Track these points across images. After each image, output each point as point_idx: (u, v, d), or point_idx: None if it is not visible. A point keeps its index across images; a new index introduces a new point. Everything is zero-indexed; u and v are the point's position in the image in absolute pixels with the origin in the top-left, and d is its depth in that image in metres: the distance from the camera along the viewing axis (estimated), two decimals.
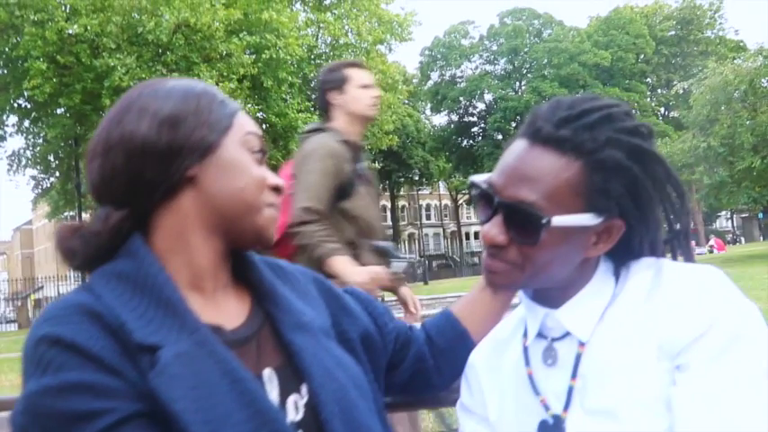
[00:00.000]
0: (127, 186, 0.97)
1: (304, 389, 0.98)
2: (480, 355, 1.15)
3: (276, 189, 1.04)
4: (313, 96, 27.48)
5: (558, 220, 0.92)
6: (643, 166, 0.95)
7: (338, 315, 1.14)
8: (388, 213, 50.16)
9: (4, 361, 10.73)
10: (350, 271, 2.61)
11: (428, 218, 63.27)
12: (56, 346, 0.84)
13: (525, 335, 1.07)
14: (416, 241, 57.89)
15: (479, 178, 1.01)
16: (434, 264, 53.55)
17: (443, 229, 63.01)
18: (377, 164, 33.76)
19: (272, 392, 0.96)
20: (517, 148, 0.98)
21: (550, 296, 1.01)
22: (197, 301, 0.97)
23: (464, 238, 57.99)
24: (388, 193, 47.25)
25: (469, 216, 58.66)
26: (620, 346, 0.94)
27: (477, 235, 51.25)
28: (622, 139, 0.94)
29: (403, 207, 52.54)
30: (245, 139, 1.02)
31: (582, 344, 0.98)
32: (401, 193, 50.87)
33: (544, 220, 0.92)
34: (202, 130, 0.98)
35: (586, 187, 0.93)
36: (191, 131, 0.97)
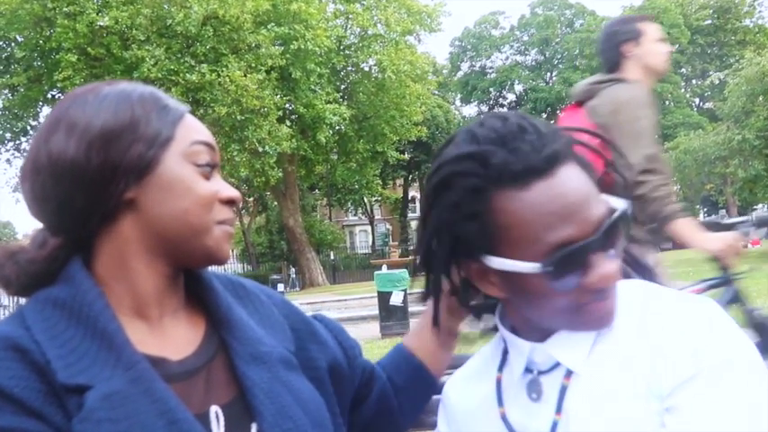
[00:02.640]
0: (59, 212, 0.90)
1: (254, 429, 0.91)
2: (454, 386, 1.09)
3: (230, 202, 0.95)
4: (342, 87, 27.55)
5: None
6: None
7: (305, 341, 1.07)
8: (418, 204, 50.06)
9: None
10: (702, 237, 2.49)
11: None
12: None
13: (500, 368, 1.01)
14: None
15: (566, 242, 0.83)
16: None
17: None
18: (406, 154, 33.70)
19: None
20: (554, 188, 0.83)
21: (537, 328, 0.94)
22: (141, 330, 0.91)
23: None
24: (416, 184, 47.14)
25: None
26: (608, 380, 0.88)
27: None
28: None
29: None
30: (189, 152, 0.92)
31: (567, 376, 0.91)
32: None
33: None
34: (138, 146, 0.88)
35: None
36: (125, 149, 0.87)
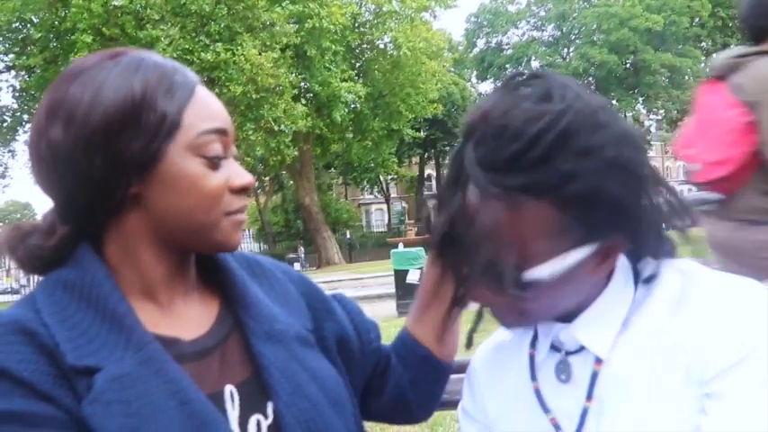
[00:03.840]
0: (64, 205, 0.88)
1: (269, 408, 0.90)
2: (482, 359, 1.06)
3: (242, 190, 0.90)
4: (357, 65, 27.39)
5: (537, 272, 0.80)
6: (620, 180, 0.77)
7: (321, 319, 1.05)
8: (434, 182, 49.95)
9: None
10: None
11: None
12: None
13: (533, 344, 0.98)
14: None
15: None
16: None
17: None
18: (422, 132, 33.57)
19: (233, 412, 0.87)
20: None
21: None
22: (152, 311, 0.89)
23: None
24: (433, 162, 47.02)
25: None
26: (643, 366, 0.84)
27: None
28: (588, 163, 0.76)
29: None
30: (196, 144, 0.86)
31: (599, 362, 0.88)
32: (446, 161, 50.48)
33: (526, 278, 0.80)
34: (141, 139, 0.83)
35: (562, 225, 0.78)
36: (127, 144, 0.83)
